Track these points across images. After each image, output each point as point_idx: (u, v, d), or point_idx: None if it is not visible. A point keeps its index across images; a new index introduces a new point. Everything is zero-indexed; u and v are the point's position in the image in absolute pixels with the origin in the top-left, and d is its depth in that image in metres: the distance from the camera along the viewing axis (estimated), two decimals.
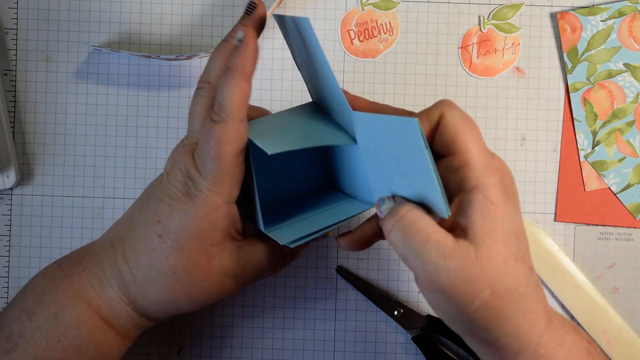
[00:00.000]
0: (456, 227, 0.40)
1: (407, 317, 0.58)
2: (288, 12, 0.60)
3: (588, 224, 0.59)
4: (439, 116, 0.41)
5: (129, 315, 0.46)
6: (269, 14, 0.56)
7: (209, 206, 0.42)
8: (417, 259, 0.39)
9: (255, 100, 0.59)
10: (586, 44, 0.59)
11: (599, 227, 0.59)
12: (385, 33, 0.60)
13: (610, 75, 0.59)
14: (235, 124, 0.42)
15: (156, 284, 0.44)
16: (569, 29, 0.59)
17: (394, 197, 0.42)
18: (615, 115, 0.59)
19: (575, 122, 0.59)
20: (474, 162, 0.40)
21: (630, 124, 0.59)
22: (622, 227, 0.59)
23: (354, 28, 0.59)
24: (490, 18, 0.60)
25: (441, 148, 0.42)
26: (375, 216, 0.45)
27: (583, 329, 0.59)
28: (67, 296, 0.45)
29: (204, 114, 0.44)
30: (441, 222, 0.41)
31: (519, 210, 0.41)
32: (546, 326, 0.41)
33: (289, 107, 0.49)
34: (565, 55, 0.59)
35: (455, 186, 0.41)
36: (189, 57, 0.57)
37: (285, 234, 0.45)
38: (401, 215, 0.40)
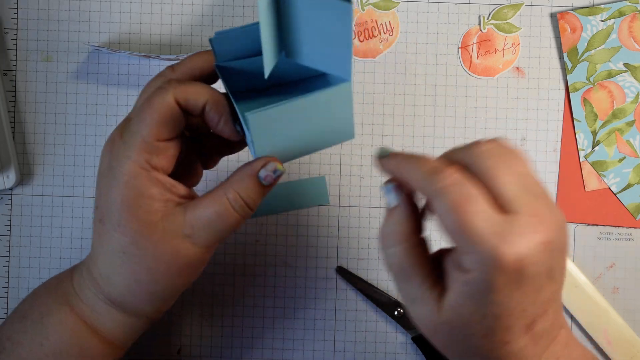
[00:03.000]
0: (444, 273, 0.39)
1: (407, 317, 0.58)
2: None
3: (588, 224, 0.59)
4: (430, 201, 0.38)
5: (113, 316, 0.45)
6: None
7: (127, 174, 0.41)
8: (397, 282, 0.40)
9: None
10: (586, 44, 0.59)
11: (599, 227, 0.60)
12: (385, 33, 0.60)
13: (610, 75, 0.59)
14: (173, 91, 0.41)
15: (116, 270, 0.43)
16: (569, 29, 0.59)
17: (397, 189, 0.40)
18: (615, 115, 0.59)
19: (575, 122, 0.59)
20: (473, 257, 0.35)
21: (630, 124, 0.59)
22: (622, 227, 0.59)
23: (354, 28, 0.59)
24: (490, 18, 0.60)
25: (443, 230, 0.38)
26: None
27: (583, 329, 0.59)
28: (53, 300, 0.45)
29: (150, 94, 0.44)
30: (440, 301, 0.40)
31: (521, 294, 0.36)
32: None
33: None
34: (565, 55, 0.59)
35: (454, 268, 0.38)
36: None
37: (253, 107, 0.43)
38: (399, 242, 0.39)
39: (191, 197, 0.44)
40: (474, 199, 0.35)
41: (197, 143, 0.47)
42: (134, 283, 0.43)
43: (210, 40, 0.42)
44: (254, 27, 0.42)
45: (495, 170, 0.36)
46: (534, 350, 0.38)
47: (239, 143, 0.46)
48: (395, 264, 0.39)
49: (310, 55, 0.41)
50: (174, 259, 0.43)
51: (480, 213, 0.35)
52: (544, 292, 0.37)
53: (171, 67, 0.44)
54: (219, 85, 0.44)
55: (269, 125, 0.41)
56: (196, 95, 0.42)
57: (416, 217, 0.40)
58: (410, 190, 0.40)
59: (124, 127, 0.43)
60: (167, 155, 0.43)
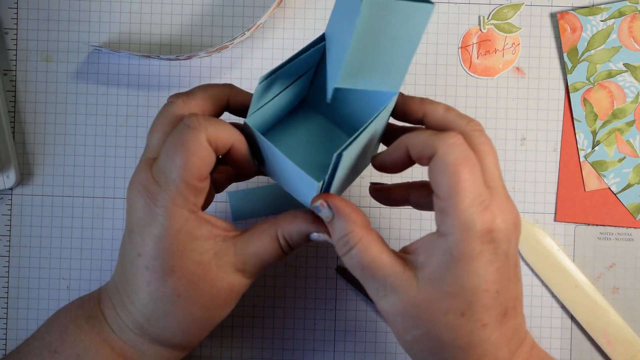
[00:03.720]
0: (415, 260, 0.40)
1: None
2: (288, 12, 0.60)
3: (588, 224, 0.59)
4: (432, 152, 0.39)
5: (160, 354, 0.45)
6: (268, 14, 0.56)
7: (177, 221, 0.41)
8: (364, 283, 0.41)
9: None
10: (586, 44, 0.59)
11: (599, 227, 0.60)
12: None
13: (610, 75, 0.59)
14: (203, 133, 0.40)
15: (167, 314, 0.43)
16: (569, 29, 0.59)
17: (326, 199, 0.41)
18: (615, 115, 0.59)
19: (575, 122, 0.59)
20: (452, 211, 0.38)
21: (630, 124, 0.59)
22: (622, 227, 0.59)
23: None
24: (490, 18, 0.60)
25: (432, 186, 0.39)
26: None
27: (583, 329, 0.59)
28: (90, 338, 0.44)
29: (167, 128, 0.43)
30: (405, 248, 0.41)
31: (498, 264, 0.39)
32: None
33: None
34: (565, 55, 0.59)
35: (437, 224, 0.40)
36: (189, 57, 0.57)
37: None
38: (349, 250, 0.40)
39: (231, 229, 0.45)
40: (474, 164, 0.39)
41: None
42: (188, 323, 0.43)
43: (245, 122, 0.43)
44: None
45: (487, 147, 0.41)
46: (508, 348, 0.40)
47: (251, 173, 0.47)
48: (358, 264, 0.40)
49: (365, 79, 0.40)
50: (229, 293, 0.44)
51: (475, 178, 0.38)
52: (511, 280, 0.40)
53: (181, 98, 0.43)
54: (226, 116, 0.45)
55: (344, 161, 0.41)
56: (225, 136, 0.41)
57: (359, 218, 0.41)
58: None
59: (156, 170, 0.42)
60: (205, 192, 0.43)
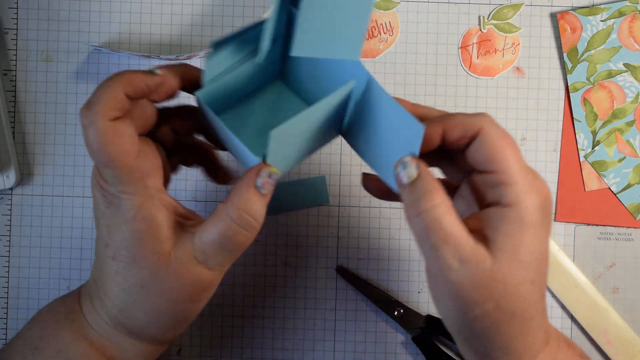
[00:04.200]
0: (482, 236, 0.40)
1: (407, 317, 0.58)
2: None
3: (588, 224, 0.59)
4: (477, 130, 0.40)
5: (135, 347, 0.44)
6: (268, 14, 0.56)
7: (132, 209, 0.41)
8: (432, 253, 0.39)
9: None
10: (586, 44, 0.59)
11: (599, 227, 0.59)
12: (385, 33, 0.60)
13: (610, 75, 0.59)
14: (104, 124, 0.39)
15: (136, 305, 0.42)
16: (569, 29, 0.59)
17: (416, 160, 0.40)
18: (615, 115, 0.59)
19: (575, 122, 0.59)
20: (514, 181, 0.39)
21: (630, 124, 0.59)
22: (622, 227, 0.59)
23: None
24: (490, 18, 0.60)
25: (478, 163, 0.40)
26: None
27: (583, 329, 0.59)
28: (69, 334, 0.44)
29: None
30: (467, 224, 0.40)
31: (549, 235, 0.40)
32: (542, 347, 0.41)
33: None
34: (565, 55, 0.59)
35: (492, 201, 0.40)
36: (189, 57, 0.57)
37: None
38: (427, 209, 0.39)
39: (193, 217, 0.44)
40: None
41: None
42: (156, 315, 0.43)
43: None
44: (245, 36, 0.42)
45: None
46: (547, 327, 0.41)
47: (204, 154, 0.46)
48: (433, 227, 0.38)
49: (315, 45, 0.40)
50: (194, 287, 0.42)
51: (521, 156, 0.40)
52: (548, 247, 0.41)
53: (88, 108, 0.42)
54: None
55: (282, 139, 0.40)
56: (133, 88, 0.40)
57: (440, 184, 0.40)
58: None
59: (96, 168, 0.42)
60: (154, 162, 0.42)
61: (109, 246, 0.42)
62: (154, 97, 0.42)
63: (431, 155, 0.43)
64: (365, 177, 0.48)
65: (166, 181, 0.45)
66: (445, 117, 0.41)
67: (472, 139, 0.40)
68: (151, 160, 0.42)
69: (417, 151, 0.40)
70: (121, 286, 0.42)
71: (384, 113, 0.41)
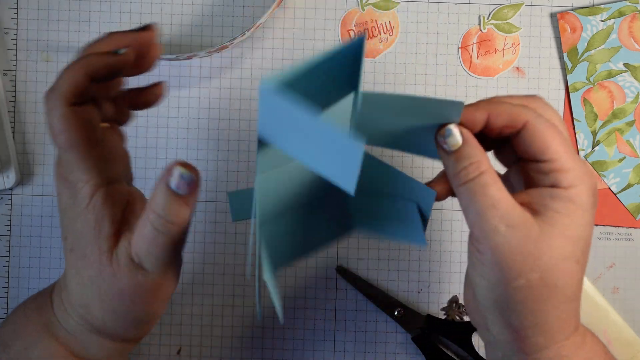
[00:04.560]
0: (532, 210, 0.39)
1: (407, 317, 0.58)
2: (288, 12, 0.60)
3: None
4: (524, 123, 0.39)
5: (100, 344, 0.43)
6: (268, 14, 0.56)
7: (87, 197, 0.40)
8: (478, 218, 0.38)
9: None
10: (586, 44, 0.59)
11: (599, 227, 0.59)
12: (385, 33, 0.60)
13: (610, 75, 0.59)
14: (65, 109, 0.39)
15: (92, 300, 0.41)
16: (569, 29, 0.59)
17: (460, 127, 0.39)
18: (615, 115, 0.59)
19: (575, 122, 0.59)
20: (568, 168, 0.39)
21: (630, 124, 0.59)
22: (622, 227, 0.59)
23: (354, 28, 0.59)
24: (490, 18, 0.60)
25: (528, 154, 0.40)
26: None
27: None
28: (37, 330, 0.43)
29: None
30: (515, 197, 0.39)
31: (593, 221, 0.40)
32: (571, 333, 0.40)
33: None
34: (565, 55, 0.59)
35: (547, 185, 0.40)
36: (189, 57, 0.57)
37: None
38: (474, 177, 0.39)
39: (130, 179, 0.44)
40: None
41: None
42: (110, 313, 0.42)
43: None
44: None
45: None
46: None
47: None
48: (482, 192, 0.38)
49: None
50: (136, 289, 0.41)
51: (570, 143, 0.40)
52: (592, 232, 0.41)
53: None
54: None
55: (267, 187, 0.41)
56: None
57: (485, 153, 0.40)
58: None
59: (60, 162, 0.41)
60: (115, 151, 0.42)
61: (67, 239, 0.42)
62: (128, 74, 0.42)
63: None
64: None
65: (128, 170, 0.44)
66: (492, 102, 0.40)
67: (518, 130, 0.40)
68: (112, 148, 0.42)
69: (458, 120, 0.39)
70: (77, 280, 0.41)
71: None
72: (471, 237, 0.40)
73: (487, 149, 0.42)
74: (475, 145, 0.39)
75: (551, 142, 0.39)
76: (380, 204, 0.45)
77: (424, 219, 0.44)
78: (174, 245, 0.40)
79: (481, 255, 0.39)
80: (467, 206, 0.39)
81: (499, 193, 0.38)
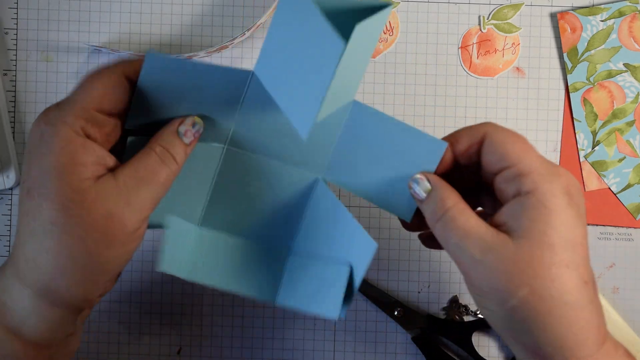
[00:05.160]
0: (506, 227, 0.39)
1: (407, 317, 0.58)
2: None
3: (588, 224, 0.59)
4: (483, 134, 0.41)
5: (38, 311, 0.41)
6: (268, 14, 0.56)
7: (62, 139, 0.39)
8: (455, 250, 0.40)
9: None
10: (586, 44, 0.59)
11: (599, 227, 0.60)
12: (385, 33, 0.60)
13: (610, 75, 0.59)
14: (121, 78, 0.41)
15: (44, 248, 0.39)
16: (569, 29, 0.59)
17: (425, 174, 0.43)
18: (615, 115, 0.59)
19: (575, 122, 0.59)
20: (529, 169, 0.39)
21: (630, 124, 0.59)
22: (622, 227, 0.59)
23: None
24: (490, 18, 0.60)
25: (492, 164, 0.41)
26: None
27: None
28: None
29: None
30: (491, 222, 0.40)
31: (581, 220, 0.39)
32: (597, 347, 0.39)
33: None
34: (565, 55, 0.59)
35: (513, 193, 0.40)
36: (189, 57, 0.57)
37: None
38: (443, 213, 0.40)
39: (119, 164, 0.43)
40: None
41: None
42: (64, 259, 0.40)
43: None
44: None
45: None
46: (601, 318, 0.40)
47: None
48: (454, 226, 0.40)
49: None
50: (108, 224, 0.40)
51: (534, 148, 0.41)
52: (585, 239, 0.40)
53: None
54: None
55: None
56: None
57: (453, 190, 0.42)
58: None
59: (63, 100, 0.41)
60: (104, 131, 0.41)
61: (25, 182, 0.40)
62: None
63: (465, 192, 0.43)
64: (424, 235, 0.49)
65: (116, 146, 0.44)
66: (451, 134, 0.43)
67: (480, 144, 0.41)
68: (110, 121, 0.42)
69: (433, 169, 0.43)
70: (28, 227, 0.40)
71: (388, 135, 0.44)
72: (463, 275, 0.41)
73: (468, 184, 0.44)
74: (442, 185, 0.42)
75: (511, 147, 0.40)
76: (312, 265, 0.46)
77: (351, 291, 0.44)
78: (163, 185, 0.42)
79: (473, 287, 0.40)
80: (445, 243, 0.41)
81: (468, 222, 0.39)
